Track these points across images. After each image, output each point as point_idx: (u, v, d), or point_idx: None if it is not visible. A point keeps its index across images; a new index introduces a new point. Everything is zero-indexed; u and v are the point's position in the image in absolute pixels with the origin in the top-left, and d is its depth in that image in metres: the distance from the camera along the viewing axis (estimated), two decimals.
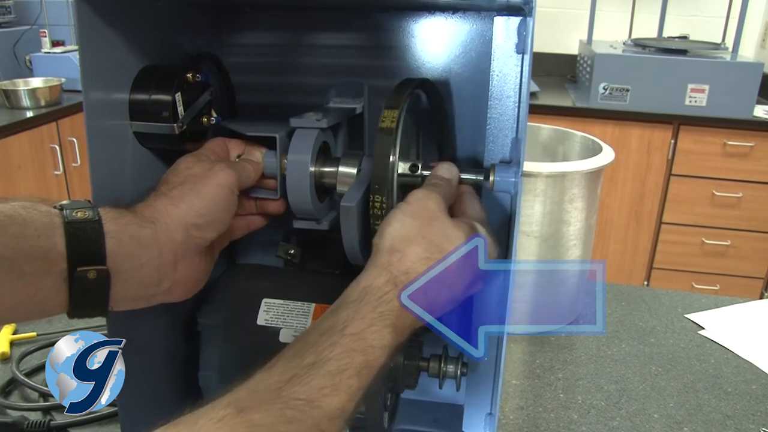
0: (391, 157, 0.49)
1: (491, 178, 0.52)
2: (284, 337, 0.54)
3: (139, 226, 0.45)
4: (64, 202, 0.43)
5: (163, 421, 0.33)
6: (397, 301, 0.43)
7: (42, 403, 0.68)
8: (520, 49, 0.54)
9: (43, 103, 2.11)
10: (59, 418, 0.65)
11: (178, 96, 0.50)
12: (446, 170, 0.52)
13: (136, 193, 0.52)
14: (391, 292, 0.43)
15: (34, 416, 0.65)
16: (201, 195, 0.49)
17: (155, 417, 0.33)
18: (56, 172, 2.14)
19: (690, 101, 2.19)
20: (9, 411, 0.67)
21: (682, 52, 2.25)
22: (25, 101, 2.09)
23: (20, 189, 2.02)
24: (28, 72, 2.38)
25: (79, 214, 0.42)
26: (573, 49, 2.70)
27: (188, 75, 0.51)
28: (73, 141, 2.18)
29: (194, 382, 0.59)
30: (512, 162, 0.54)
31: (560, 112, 2.26)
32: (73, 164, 2.20)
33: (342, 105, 0.63)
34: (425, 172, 0.53)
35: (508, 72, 0.55)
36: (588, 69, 2.32)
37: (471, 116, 0.61)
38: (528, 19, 0.50)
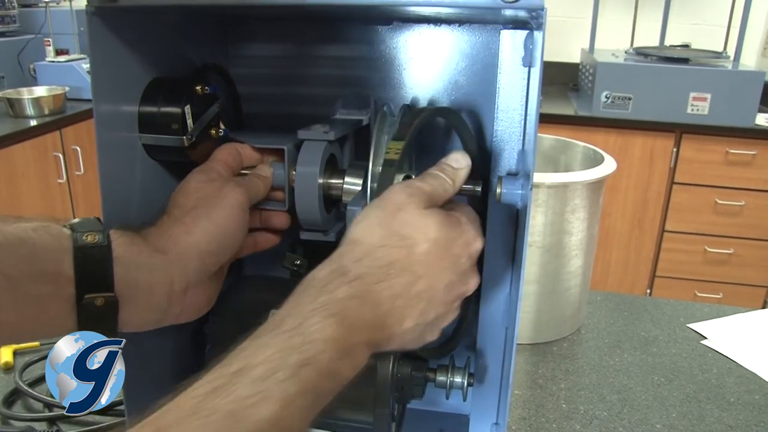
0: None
1: (498, 191, 0.53)
2: None
3: (150, 255, 0.44)
4: (76, 221, 0.43)
5: None
6: (343, 290, 0.38)
7: (47, 413, 0.68)
8: (527, 62, 0.54)
9: (46, 111, 2.12)
10: (65, 428, 0.65)
11: (187, 108, 0.50)
12: (454, 159, 0.49)
13: (144, 205, 0.53)
14: (335, 282, 0.39)
15: (39, 426, 0.66)
16: (214, 220, 0.48)
17: None
18: (60, 181, 2.15)
19: (692, 110, 2.20)
20: (13, 422, 0.67)
21: (684, 60, 2.26)
22: (29, 110, 2.10)
23: (24, 197, 2.03)
24: (33, 81, 2.39)
25: (89, 238, 0.41)
26: (575, 57, 2.71)
27: (197, 87, 0.52)
28: (77, 150, 2.18)
29: None
30: (519, 174, 0.54)
31: (562, 121, 2.27)
32: (77, 173, 2.21)
33: (349, 116, 0.64)
34: None
35: (515, 85, 0.56)
36: (590, 77, 2.33)
37: (477, 128, 0.61)
38: (536, 32, 0.51)
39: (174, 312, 0.48)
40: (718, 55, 2.34)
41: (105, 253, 0.42)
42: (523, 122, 0.56)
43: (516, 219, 0.59)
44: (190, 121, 0.51)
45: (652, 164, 2.27)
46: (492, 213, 0.59)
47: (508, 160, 0.57)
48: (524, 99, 0.56)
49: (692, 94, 2.18)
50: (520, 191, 0.53)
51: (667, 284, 2.41)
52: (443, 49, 0.61)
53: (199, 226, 0.47)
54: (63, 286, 0.40)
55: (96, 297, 0.41)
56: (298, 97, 0.66)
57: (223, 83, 0.62)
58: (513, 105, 0.57)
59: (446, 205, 0.47)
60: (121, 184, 0.51)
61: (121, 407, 0.68)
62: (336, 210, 0.59)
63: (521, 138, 0.57)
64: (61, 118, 2.14)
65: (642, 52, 2.36)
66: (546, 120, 2.25)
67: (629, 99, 2.22)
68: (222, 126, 0.57)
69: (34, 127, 2.05)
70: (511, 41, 0.55)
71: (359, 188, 0.55)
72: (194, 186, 0.50)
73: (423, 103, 0.62)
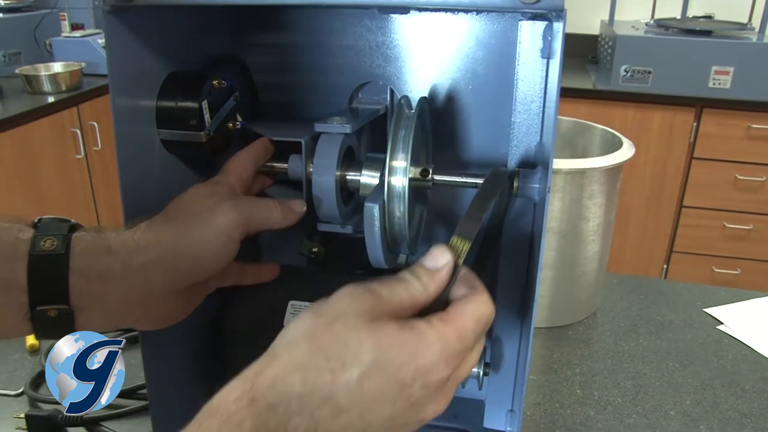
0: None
1: (515, 184, 0.53)
2: None
3: (108, 264, 0.42)
4: (46, 218, 0.42)
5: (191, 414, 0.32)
6: (249, 423, 0.32)
7: None
8: (546, 53, 0.54)
9: (63, 87, 2.13)
10: (92, 411, 0.67)
11: (204, 104, 0.51)
12: (431, 258, 0.39)
13: (164, 198, 0.53)
14: (242, 411, 0.32)
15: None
16: (190, 240, 0.45)
17: (184, 411, 0.34)
18: (78, 156, 2.17)
19: (714, 83, 2.15)
20: (40, 404, 0.69)
21: (707, 33, 2.21)
22: (47, 86, 2.11)
23: (43, 174, 2.05)
24: (49, 56, 2.39)
25: (46, 244, 0.40)
26: (594, 29, 2.66)
27: (214, 82, 0.52)
28: (94, 125, 2.20)
29: (223, 378, 0.61)
30: (537, 168, 0.54)
31: (581, 95, 2.24)
32: (94, 148, 2.23)
33: (365, 106, 0.64)
34: (437, 177, 0.54)
35: (534, 76, 0.55)
36: (609, 51, 2.29)
37: (494, 119, 0.61)
38: (555, 23, 0.50)
39: (131, 320, 0.46)
40: (742, 26, 2.29)
41: (61, 262, 0.40)
42: (541, 114, 0.56)
43: (534, 207, 0.59)
44: (207, 116, 0.51)
45: (672, 139, 2.24)
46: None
47: (526, 153, 0.57)
48: (543, 90, 0.55)
49: (714, 68, 2.13)
50: (537, 185, 0.53)
51: (684, 260, 2.40)
52: (461, 38, 0.60)
53: (170, 241, 0.44)
54: (16, 295, 0.39)
55: (49, 309, 0.40)
56: (314, 85, 0.65)
57: (239, 73, 0.62)
58: (532, 96, 0.56)
59: (437, 304, 0.38)
60: (141, 178, 0.52)
61: (144, 391, 0.70)
62: (353, 202, 0.59)
63: (540, 130, 0.56)
64: (78, 94, 2.15)
65: (663, 24, 2.31)
66: (564, 94, 2.20)
67: (649, 73, 2.18)
68: (239, 118, 0.57)
69: (51, 103, 2.06)
70: (530, 32, 0.54)
71: (377, 181, 0.55)
72: (189, 198, 0.48)
73: (441, 93, 0.62)
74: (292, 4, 0.44)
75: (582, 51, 2.69)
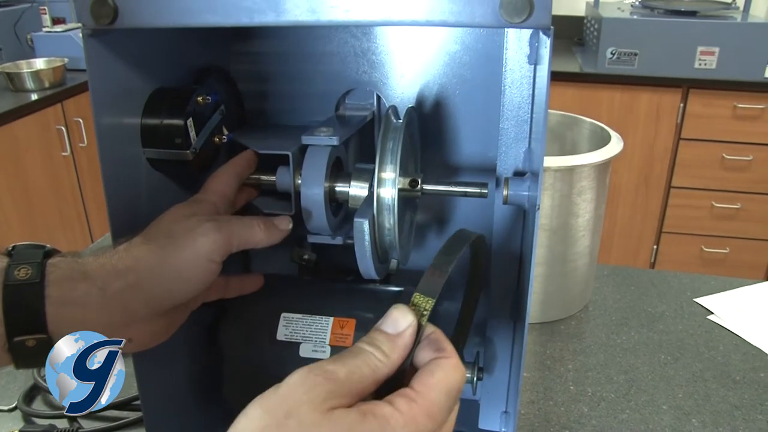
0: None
1: (504, 192, 0.53)
2: (304, 351, 0.56)
3: (86, 291, 0.41)
4: (20, 245, 0.41)
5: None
6: None
7: None
8: (533, 60, 0.53)
9: (47, 84, 2.10)
10: (86, 425, 0.67)
11: (189, 122, 0.50)
12: (391, 322, 0.35)
13: (153, 216, 0.53)
14: None
15: (60, 424, 0.67)
16: (169, 264, 0.43)
17: (180, 423, 0.33)
18: (64, 154, 2.15)
19: (699, 64, 2.16)
20: (34, 419, 0.69)
21: (692, 13, 2.21)
22: (29, 84, 2.08)
23: (29, 173, 2.03)
24: (30, 51, 2.36)
25: (21, 273, 0.39)
26: (580, 10, 2.65)
27: (198, 98, 0.51)
28: (79, 121, 2.17)
29: (218, 389, 0.61)
30: (526, 175, 0.54)
31: (567, 78, 2.24)
32: (80, 144, 2.21)
33: (353, 113, 0.63)
34: (426, 187, 0.54)
35: (521, 81, 0.55)
36: (595, 33, 2.28)
37: (483, 124, 0.60)
38: (542, 35, 0.50)
39: None
40: (727, 6, 2.29)
41: (37, 291, 0.39)
42: (530, 120, 0.56)
43: (524, 213, 0.59)
44: (193, 134, 0.51)
45: (659, 120, 2.25)
46: (498, 207, 0.59)
47: (514, 159, 0.57)
48: (531, 96, 0.55)
49: (700, 48, 2.14)
50: (526, 193, 0.53)
51: (674, 240, 2.41)
52: (447, 43, 0.59)
53: (148, 265, 0.43)
54: None
55: (27, 339, 0.39)
56: (300, 92, 0.65)
57: (224, 83, 0.61)
58: (520, 102, 0.56)
59: (397, 379, 0.34)
60: (128, 197, 0.51)
61: (139, 402, 0.70)
62: (343, 212, 0.59)
63: (528, 136, 0.56)
64: (61, 90, 2.12)
65: (648, 5, 2.30)
66: (551, 78, 2.21)
67: (635, 55, 2.18)
68: (225, 132, 0.56)
69: (35, 101, 2.03)
70: (517, 38, 0.54)
71: (365, 192, 0.55)
72: (169, 219, 0.47)
73: (428, 99, 0.61)
74: (270, 24, 0.43)
75: (568, 33, 2.68)
